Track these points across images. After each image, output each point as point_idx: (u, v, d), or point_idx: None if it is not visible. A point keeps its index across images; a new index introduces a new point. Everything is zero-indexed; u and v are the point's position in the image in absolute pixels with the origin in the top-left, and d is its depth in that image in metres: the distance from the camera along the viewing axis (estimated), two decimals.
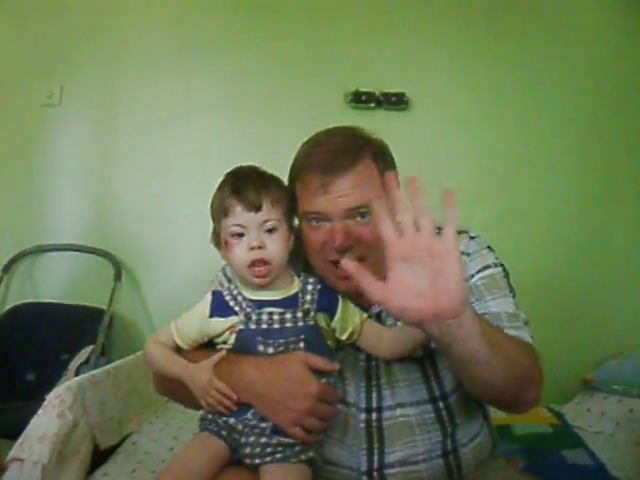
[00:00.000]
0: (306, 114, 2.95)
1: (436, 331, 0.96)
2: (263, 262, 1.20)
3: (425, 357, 1.32)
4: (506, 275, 1.38)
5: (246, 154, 2.88)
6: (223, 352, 1.22)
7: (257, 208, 1.20)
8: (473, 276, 1.34)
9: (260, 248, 1.20)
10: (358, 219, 1.25)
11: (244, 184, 1.22)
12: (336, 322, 1.27)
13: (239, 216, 1.21)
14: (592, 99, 3.01)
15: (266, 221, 1.21)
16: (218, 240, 1.27)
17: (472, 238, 1.40)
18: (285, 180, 1.33)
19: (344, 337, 1.28)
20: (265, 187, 1.23)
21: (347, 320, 1.28)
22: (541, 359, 1.26)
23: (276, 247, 1.22)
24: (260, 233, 1.21)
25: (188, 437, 2.07)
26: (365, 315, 1.30)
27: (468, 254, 1.36)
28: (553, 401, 2.64)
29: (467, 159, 3.04)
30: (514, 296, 1.36)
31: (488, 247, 1.41)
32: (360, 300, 1.32)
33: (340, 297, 1.29)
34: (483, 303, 1.31)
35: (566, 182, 3.01)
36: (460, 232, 1.37)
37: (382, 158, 1.31)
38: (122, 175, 3.16)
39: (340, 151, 1.26)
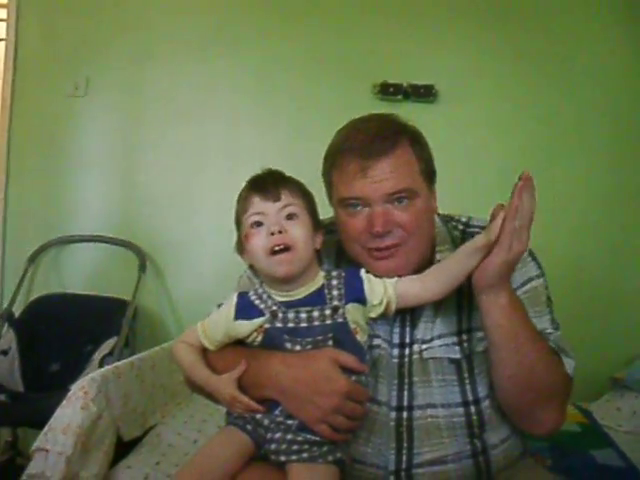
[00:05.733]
0: (333, 106, 2.94)
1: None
2: (285, 248, 1.16)
3: (462, 359, 1.29)
4: (546, 285, 1.36)
5: (272, 145, 2.98)
6: (243, 366, 1.20)
7: (276, 197, 1.18)
8: (517, 289, 1.30)
9: (280, 233, 1.16)
10: (396, 204, 1.23)
11: (262, 179, 1.21)
12: (369, 301, 1.20)
13: (257, 205, 1.19)
14: (620, 93, 2.97)
15: (285, 206, 1.18)
16: (240, 245, 1.24)
17: None
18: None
19: (381, 310, 1.21)
20: (284, 180, 1.21)
21: (377, 292, 1.20)
22: (571, 384, 1.29)
23: (298, 232, 1.17)
24: (280, 219, 1.17)
25: (212, 430, 2.07)
26: (394, 279, 1.22)
27: None
28: (581, 399, 2.58)
29: (494, 152, 3.02)
30: (551, 311, 1.35)
31: (530, 253, 1.35)
32: None
33: (364, 275, 1.22)
34: None
35: (594, 176, 2.97)
36: None
37: (418, 144, 1.29)
38: (147, 166, 3.17)
39: (378, 135, 1.23)
